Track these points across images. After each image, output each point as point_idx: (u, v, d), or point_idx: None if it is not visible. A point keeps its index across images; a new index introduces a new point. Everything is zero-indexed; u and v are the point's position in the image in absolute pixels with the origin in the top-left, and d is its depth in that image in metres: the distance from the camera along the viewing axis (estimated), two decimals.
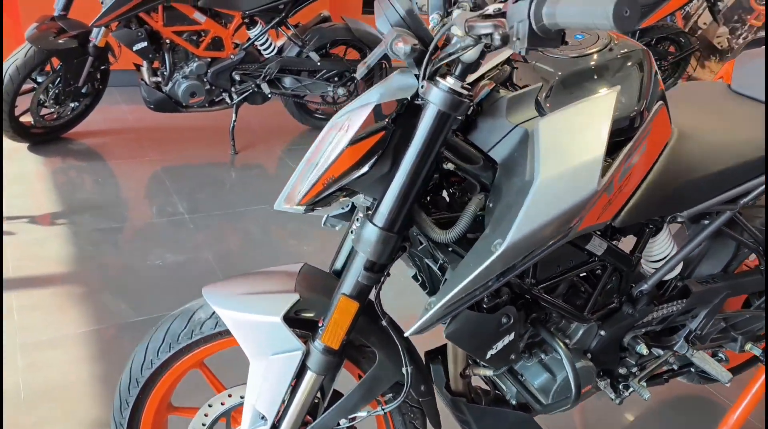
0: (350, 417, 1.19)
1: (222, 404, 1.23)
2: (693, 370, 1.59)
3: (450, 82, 0.92)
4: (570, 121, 0.98)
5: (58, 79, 3.18)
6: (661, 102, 1.13)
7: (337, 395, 1.20)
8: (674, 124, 1.22)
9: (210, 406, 1.23)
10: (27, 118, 3.23)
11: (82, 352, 1.96)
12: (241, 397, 1.21)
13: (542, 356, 1.29)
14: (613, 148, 1.04)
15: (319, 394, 1.18)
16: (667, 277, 1.38)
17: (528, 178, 0.96)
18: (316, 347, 1.09)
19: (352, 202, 1.14)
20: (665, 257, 1.36)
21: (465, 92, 0.93)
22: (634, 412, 1.95)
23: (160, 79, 3.30)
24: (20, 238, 2.51)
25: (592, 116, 0.99)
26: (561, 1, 0.71)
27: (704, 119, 1.35)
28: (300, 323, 1.11)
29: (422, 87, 0.94)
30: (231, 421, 1.25)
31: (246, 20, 3.32)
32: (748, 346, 1.59)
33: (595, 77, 1.05)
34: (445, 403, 1.30)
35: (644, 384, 1.43)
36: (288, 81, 3.51)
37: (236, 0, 3.18)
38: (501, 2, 0.93)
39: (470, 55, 0.89)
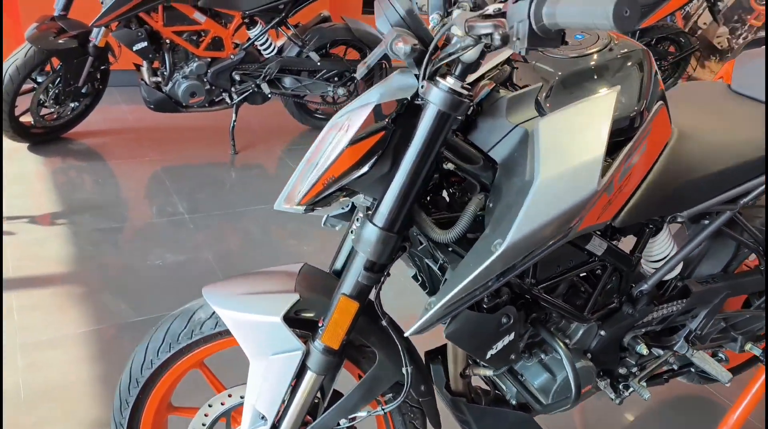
0: (350, 417, 1.19)
1: (222, 404, 1.23)
2: (693, 370, 1.59)
3: (450, 82, 0.92)
4: (570, 121, 0.98)
5: (58, 79, 3.18)
6: (661, 102, 1.13)
7: (337, 395, 1.20)
8: (674, 124, 1.22)
9: (210, 406, 1.23)
10: (27, 118, 3.23)
11: (82, 352, 1.96)
12: (241, 397, 1.21)
13: (542, 356, 1.29)
14: (613, 148, 1.04)
15: (319, 394, 1.18)
16: (667, 277, 1.38)
17: (528, 178, 0.96)
18: (316, 347, 1.09)
19: (352, 202, 1.14)
20: (665, 257, 1.36)
21: (465, 92, 0.93)
22: (633, 412, 1.95)
23: (160, 79, 3.30)
24: (20, 238, 2.52)
25: (592, 116, 0.99)
26: (561, 1, 0.71)
27: (704, 119, 1.35)
28: (300, 323, 1.11)
29: (422, 87, 0.94)
30: (231, 421, 1.25)
31: (246, 20, 3.32)
32: (748, 346, 1.59)
33: (595, 77, 1.05)
34: (445, 403, 1.30)
35: (644, 384, 1.43)
36: (288, 81, 3.51)
37: (236, 0, 3.18)
38: (501, 2, 0.93)
39: (470, 55, 0.89)
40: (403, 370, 1.14)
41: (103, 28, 3.11)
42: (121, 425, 1.25)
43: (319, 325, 1.09)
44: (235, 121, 3.55)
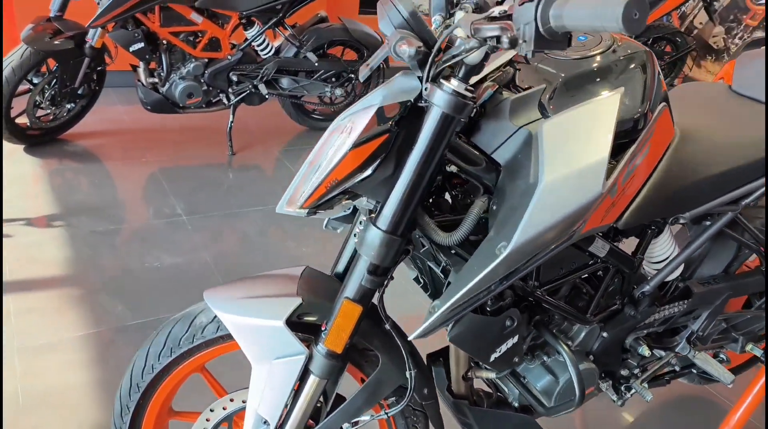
0: (353, 421, 1.19)
1: (224, 409, 1.22)
2: (694, 371, 1.59)
3: (454, 84, 0.91)
4: (574, 123, 0.98)
5: (55, 80, 3.16)
6: (664, 103, 1.13)
7: (340, 399, 1.20)
8: (676, 126, 1.22)
9: (212, 410, 1.22)
10: (23, 120, 3.21)
11: (80, 356, 1.94)
12: (243, 402, 1.20)
13: (545, 358, 1.29)
14: (617, 150, 1.03)
15: (321, 398, 1.17)
16: (668, 279, 1.38)
17: (532, 180, 0.95)
18: (319, 351, 1.08)
19: (354, 205, 1.14)
20: (667, 258, 1.35)
21: (469, 94, 0.92)
22: (634, 413, 1.95)
23: (156, 80, 3.29)
24: (17, 241, 2.50)
25: (597, 118, 0.99)
26: (568, 4, 0.71)
27: (706, 120, 1.35)
28: (302, 327, 1.11)
29: (426, 89, 0.93)
30: (233, 426, 1.25)
31: (243, 21, 3.31)
32: (749, 347, 1.59)
33: (599, 79, 1.05)
34: (446, 405, 1.29)
35: (646, 385, 1.43)
36: (285, 81, 3.50)
37: (233, 0, 3.17)
38: (498, 3, 0.92)
39: (474, 57, 0.89)
40: (407, 373, 1.13)
41: (99, 29, 3.09)
42: None
43: (322, 328, 1.09)
44: (232, 121, 3.54)
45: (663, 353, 1.44)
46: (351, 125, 0.98)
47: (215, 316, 1.14)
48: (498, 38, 0.78)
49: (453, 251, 1.08)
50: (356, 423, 1.20)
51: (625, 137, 1.05)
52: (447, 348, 1.30)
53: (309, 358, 1.09)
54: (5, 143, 3.26)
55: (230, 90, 3.39)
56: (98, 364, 1.92)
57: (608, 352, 1.34)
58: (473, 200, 1.07)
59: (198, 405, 1.33)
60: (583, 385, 1.23)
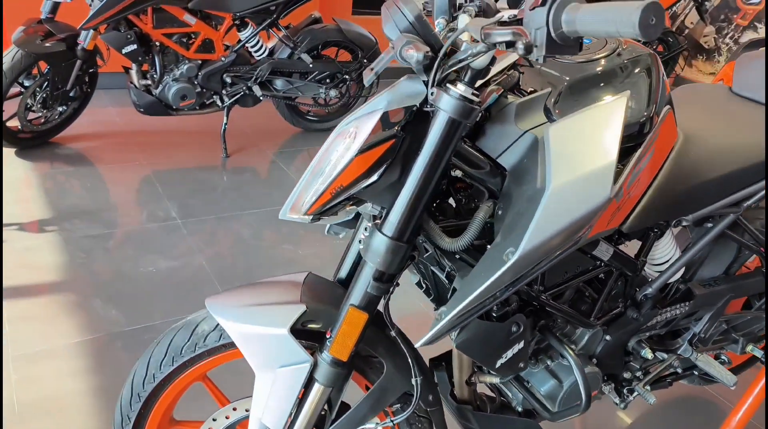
0: None
1: (227, 418, 1.20)
2: (696, 372, 1.59)
3: (461, 88, 0.90)
4: (581, 127, 0.97)
5: (46, 82, 3.13)
6: (668, 106, 1.12)
7: (345, 407, 1.18)
8: (679, 128, 1.21)
9: (214, 420, 1.21)
10: (14, 123, 3.18)
11: (75, 363, 1.92)
12: (246, 411, 1.19)
13: (548, 363, 1.28)
14: (622, 154, 1.03)
15: (326, 407, 1.16)
16: (670, 281, 1.38)
17: (539, 185, 0.95)
18: (324, 359, 1.07)
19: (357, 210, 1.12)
20: (669, 261, 1.35)
21: (475, 99, 0.91)
22: (635, 415, 1.95)
23: (149, 82, 3.26)
24: (9, 246, 2.46)
25: (603, 122, 0.98)
26: (582, 9, 0.70)
27: (708, 123, 1.34)
28: (306, 334, 1.09)
29: (432, 94, 0.92)
30: None
31: (237, 22, 3.28)
32: (749, 348, 1.59)
33: (604, 83, 1.04)
34: (450, 411, 1.29)
35: (648, 388, 1.43)
36: (279, 83, 3.48)
37: (227, 2, 3.15)
38: (514, 6, 0.91)
39: (481, 61, 0.88)
40: (412, 380, 1.12)
41: (91, 31, 3.06)
42: None
43: (327, 336, 1.07)
44: (226, 123, 3.52)
45: (665, 355, 1.44)
46: (355, 130, 0.97)
47: (217, 325, 1.13)
48: (511, 43, 0.77)
49: (458, 256, 1.07)
50: None
51: (630, 141, 1.05)
52: (449, 352, 1.29)
53: (314, 366, 1.08)
54: None
55: (224, 92, 3.36)
56: (94, 372, 1.89)
57: (611, 355, 1.34)
58: (477, 205, 1.06)
59: (200, 414, 1.32)
60: (589, 389, 1.23)
